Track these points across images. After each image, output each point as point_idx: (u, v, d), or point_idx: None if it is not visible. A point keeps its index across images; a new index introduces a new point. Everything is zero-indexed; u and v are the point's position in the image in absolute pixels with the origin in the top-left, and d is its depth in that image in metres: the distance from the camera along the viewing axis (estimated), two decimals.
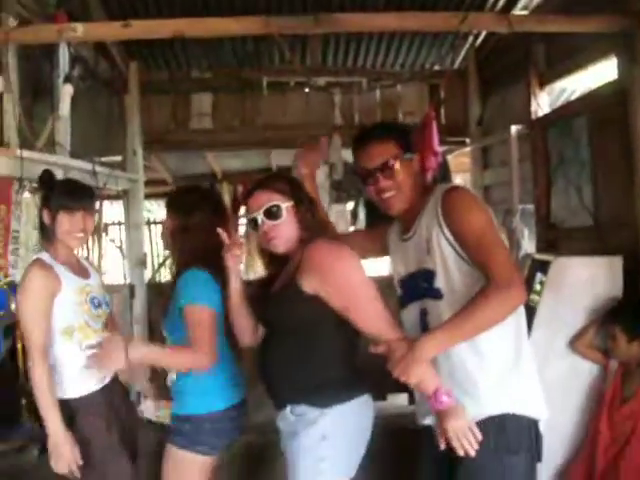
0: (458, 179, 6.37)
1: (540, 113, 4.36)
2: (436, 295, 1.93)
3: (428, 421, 2.02)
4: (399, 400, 5.24)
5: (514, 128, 4.60)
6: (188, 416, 2.32)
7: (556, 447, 2.75)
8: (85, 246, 9.83)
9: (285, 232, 2.00)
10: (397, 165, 1.96)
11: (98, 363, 2.18)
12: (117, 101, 5.49)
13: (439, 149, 4.72)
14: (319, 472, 1.92)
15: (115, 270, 10.29)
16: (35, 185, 3.77)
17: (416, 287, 2.01)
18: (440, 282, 1.92)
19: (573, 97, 4.33)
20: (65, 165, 3.81)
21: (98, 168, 4.10)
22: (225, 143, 5.95)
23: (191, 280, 2.26)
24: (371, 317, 1.88)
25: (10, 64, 3.42)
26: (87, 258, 2.98)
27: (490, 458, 1.82)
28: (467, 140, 5.73)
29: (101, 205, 9.63)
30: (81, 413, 2.42)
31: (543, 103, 4.38)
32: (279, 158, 6.78)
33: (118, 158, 5.43)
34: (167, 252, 2.74)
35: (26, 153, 3.23)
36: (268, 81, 5.79)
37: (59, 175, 3.81)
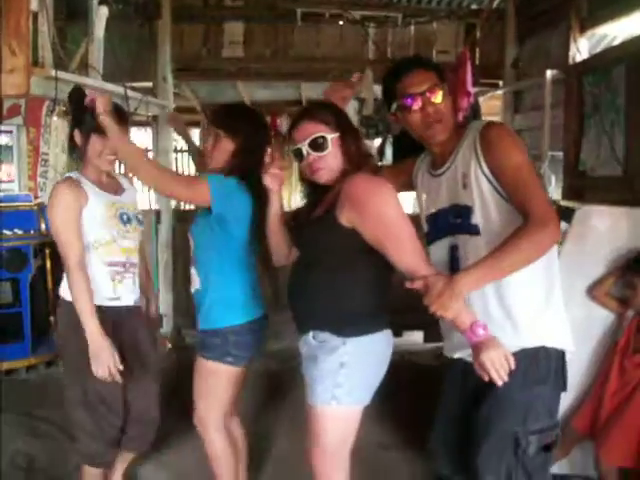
0: None
1: (578, 59, 4.26)
2: (473, 231, 1.93)
3: (458, 354, 2.07)
4: (414, 337, 5.35)
5: (549, 72, 4.51)
6: (215, 330, 2.41)
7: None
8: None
9: (330, 163, 2.01)
10: (441, 93, 1.95)
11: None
12: (149, 27, 5.45)
13: (472, 90, 4.65)
14: (334, 397, 2.00)
15: (141, 196, 10.50)
16: (64, 108, 3.81)
17: (447, 223, 2.01)
18: (477, 218, 1.92)
19: (614, 44, 4.22)
20: (98, 88, 3.83)
21: (130, 92, 4.11)
22: (256, 73, 5.93)
23: (218, 179, 2.32)
24: (407, 252, 1.88)
25: None
26: (124, 174, 2.92)
27: (519, 389, 1.88)
28: (500, 83, 5.63)
29: (129, 131, 9.81)
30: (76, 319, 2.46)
31: (582, 48, 4.27)
32: (310, 91, 6.71)
33: (149, 84, 5.42)
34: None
35: (60, 74, 3.25)
36: (302, 12, 5.70)
37: None
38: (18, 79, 2.92)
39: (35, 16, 3.31)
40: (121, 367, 2.36)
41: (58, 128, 4.32)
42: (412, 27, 5.84)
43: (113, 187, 2.61)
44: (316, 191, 2.15)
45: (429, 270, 1.85)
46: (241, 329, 2.42)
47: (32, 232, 4.05)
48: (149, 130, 7.49)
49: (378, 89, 5.83)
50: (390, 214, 1.90)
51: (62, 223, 2.41)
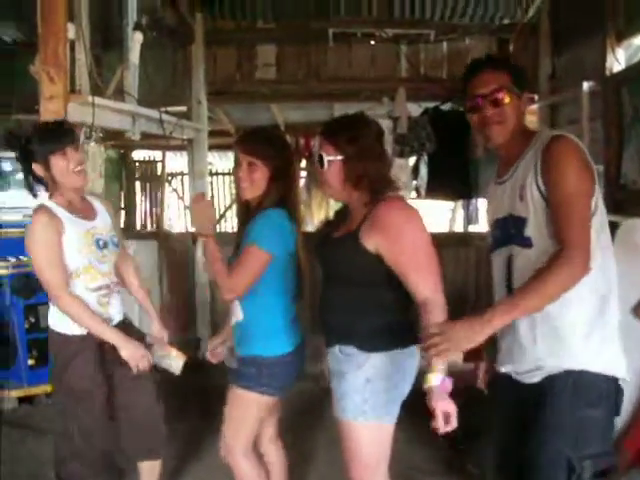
0: None
1: (616, 69, 4.18)
2: (526, 243, 1.91)
3: (505, 369, 2.04)
4: (453, 357, 5.26)
5: (586, 85, 4.43)
6: (254, 357, 2.39)
7: None
8: (148, 194, 10.12)
9: (330, 181, 2.10)
10: (507, 95, 1.92)
11: None
12: (182, 52, 5.53)
13: None
14: (362, 412, 2.07)
15: (178, 219, 10.60)
16: (101, 135, 3.87)
17: (506, 232, 1.99)
18: (530, 231, 1.89)
19: None
20: (133, 113, 3.89)
21: (165, 117, 4.16)
22: (289, 94, 5.97)
23: (267, 222, 2.33)
24: (425, 283, 1.97)
25: (82, 11, 3.47)
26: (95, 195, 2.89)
27: (569, 411, 1.84)
28: (536, 97, 5.56)
29: (164, 155, 9.92)
30: (70, 353, 2.53)
31: (619, 58, 4.20)
32: (342, 111, 6.68)
33: (183, 108, 5.49)
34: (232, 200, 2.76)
35: (96, 100, 3.30)
36: (334, 32, 5.73)
37: (128, 124, 3.90)
38: (56, 106, 2.97)
39: (72, 44, 3.37)
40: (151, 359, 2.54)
41: (95, 154, 4.38)
42: (445, 44, 5.82)
43: (86, 211, 2.61)
44: (343, 211, 2.25)
45: (439, 302, 1.95)
46: (282, 359, 2.41)
47: None
48: (184, 154, 7.59)
49: (412, 107, 5.83)
50: (414, 244, 1.99)
51: (43, 253, 2.43)
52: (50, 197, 2.53)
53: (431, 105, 5.82)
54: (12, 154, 2.68)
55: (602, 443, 1.87)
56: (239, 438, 2.48)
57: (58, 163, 2.44)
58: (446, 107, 5.72)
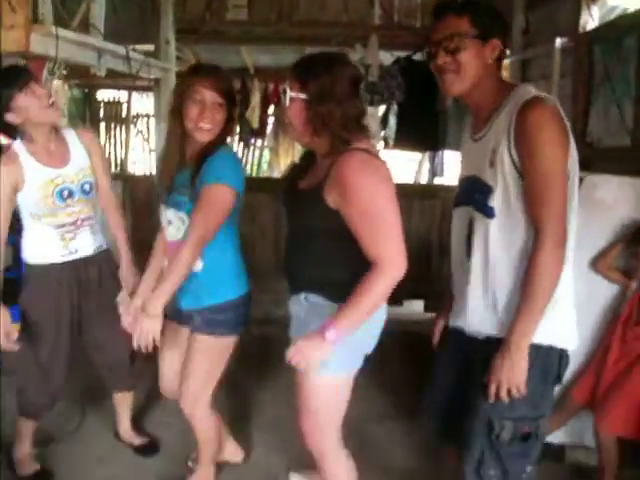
0: None
1: (589, 27, 4.18)
2: (488, 213, 1.84)
3: (457, 323, 2.05)
4: (414, 306, 5.36)
5: (559, 41, 4.42)
6: (228, 302, 2.38)
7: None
8: (112, 135, 9.92)
9: (292, 120, 1.97)
10: (463, 42, 1.79)
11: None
12: None
13: None
14: (324, 364, 1.97)
15: (142, 161, 10.43)
16: (65, 72, 3.75)
17: (470, 194, 1.92)
18: (495, 201, 1.82)
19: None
20: (99, 48, 3.76)
21: (132, 54, 4.04)
22: (259, 37, 5.85)
23: (228, 160, 2.30)
24: (379, 244, 1.87)
25: None
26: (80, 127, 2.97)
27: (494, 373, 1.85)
28: (507, 51, 5.54)
29: (130, 96, 9.70)
30: (32, 280, 2.61)
31: (593, 16, 4.19)
32: None
33: (151, 47, 5.34)
34: None
35: (60, 32, 3.18)
36: None
37: (93, 59, 3.78)
38: (18, 35, 2.85)
39: None
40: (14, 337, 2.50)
41: (59, 92, 4.27)
42: None
43: (57, 156, 2.56)
44: (307, 157, 2.14)
45: (393, 264, 1.87)
46: (248, 297, 2.44)
47: None
48: (150, 95, 7.43)
49: (383, 55, 5.76)
50: (371, 202, 1.86)
51: None
52: (24, 140, 2.49)
53: (403, 54, 5.76)
54: None
55: (529, 408, 1.86)
56: (208, 389, 2.48)
57: (28, 101, 2.37)
58: (418, 57, 5.67)
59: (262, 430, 3.31)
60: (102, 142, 9.85)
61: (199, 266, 2.32)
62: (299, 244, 2.08)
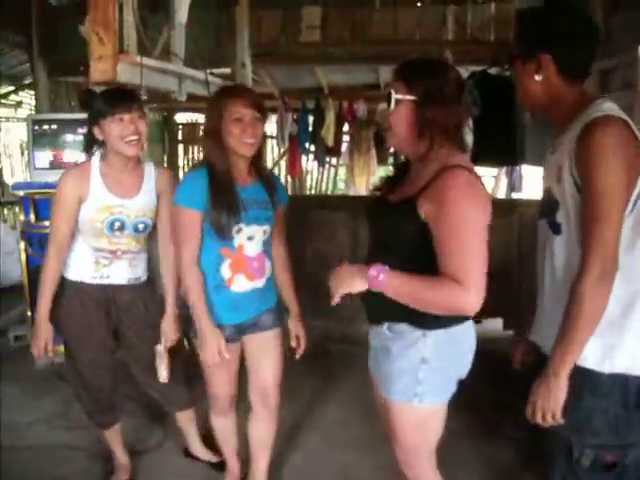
0: None
1: None
2: (555, 229, 1.79)
3: (533, 337, 2.00)
4: (493, 324, 5.25)
5: None
6: (277, 302, 2.62)
7: None
8: (190, 157, 10.17)
9: (394, 125, 1.89)
10: (513, 61, 1.82)
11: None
12: (227, 13, 5.51)
13: None
14: (416, 395, 1.92)
15: None
16: (146, 97, 3.89)
17: (545, 206, 1.86)
18: (560, 217, 1.77)
19: None
20: (180, 73, 3.90)
21: (210, 78, 4.16)
22: (334, 57, 5.91)
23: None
24: (464, 263, 1.73)
25: None
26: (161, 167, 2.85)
27: (577, 399, 1.77)
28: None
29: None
30: (66, 294, 2.60)
31: None
32: (388, 74, 6.64)
33: (227, 70, 5.49)
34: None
35: (144, 60, 3.31)
36: None
37: (174, 84, 3.92)
38: (106, 66, 2.99)
39: (120, 6, 3.39)
40: (51, 353, 2.59)
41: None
42: (492, 5, 5.68)
43: (127, 186, 2.55)
44: (399, 170, 2.07)
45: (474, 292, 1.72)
46: None
47: None
48: None
49: (459, 71, 5.71)
50: (467, 226, 1.74)
51: (56, 211, 2.49)
52: (101, 159, 2.53)
53: (478, 69, 5.70)
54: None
55: (611, 436, 1.78)
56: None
57: (111, 128, 2.41)
58: (493, 71, 5.60)
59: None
60: (181, 163, 10.14)
61: (269, 273, 2.50)
62: (385, 263, 1.90)
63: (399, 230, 1.89)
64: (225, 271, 2.37)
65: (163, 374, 2.68)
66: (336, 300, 1.83)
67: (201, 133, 2.38)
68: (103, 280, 2.60)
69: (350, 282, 1.82)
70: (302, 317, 2.67)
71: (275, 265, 2.56)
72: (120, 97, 2.46)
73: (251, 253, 2.40)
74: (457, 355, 1.97)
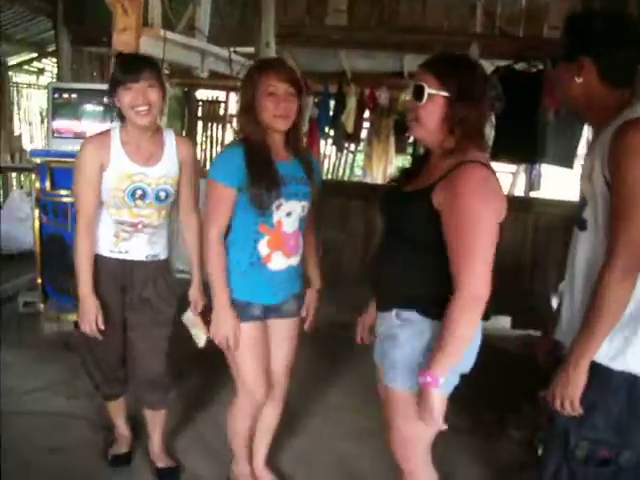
0: None
1: None
2: (581, 225, 1.83)
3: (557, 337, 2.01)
4: (502, 322, 5.23)
5: None
6: (302, 289, 2.58)
7: None
8: (209, 134, 10.16)
9: (423, 118, 1.89)
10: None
11: None
12: None
13: None
14: (417, 383, 1.89)
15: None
16: (167, 71, 3.87)
17: (578, 207, 1.89)
18: (587, 214, 1.80)
19: None
20: (203, 50, 3.89)
21: (233, 56, 4.14)
22: (359, 42, 5.85)
23: None
24: (468, 264, 1.77)
25: None
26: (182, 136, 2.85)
27: (585, 392, 1.79)
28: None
29: (228, 96, 9.93)
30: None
31: None
32: (412, 63, 6.59)
33: (251, 49, 5.45)
34: None
35: (168, 35, 3.30)
36: None
37: (197, 61, 3.90)
38: (129, 38, 2.98)
39: None
40: (102, 327, 2.49)
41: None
42: (523, 0, 5.59)
43: (148, 154, 2.52)
44: (418, 161, 2.08)
45: (477, 290, 1.77)
46: None
47: None
48: None
49: (484, 64, 5.65)
50: (475, 222, 1.77)
51: (78, 181, 2.47)
52: (122, 128, 2.50)
53: (504, 63, 5.63)
54: None
55: (610, 432, 1.79)
56: None
57: (123, 97, 2.38)
58: (519, 67, 5.53)
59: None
60: (199, 139, 10.13)
61: (302, 252, 2.46)
62: (394, 253, 1.98)
63: (412, 217, 1.92)
64: (263, 248, 2.34)
65: (202, 338, 2.61)
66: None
67: (236, 109, 2.32)
68: (121, 255, 2.57)
69: (437, 407, 1.86)
70: (321, 293, 2.65)
71: (306, 244, 2.53)
72: (130, 66, 2.42)
73: (289, 230, 2.37)
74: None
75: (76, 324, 2.71)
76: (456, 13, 5.65)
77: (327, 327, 3.47)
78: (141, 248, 2.59)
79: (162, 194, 2.54)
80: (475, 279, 1.77)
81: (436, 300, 1.86)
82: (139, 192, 2.48)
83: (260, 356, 2.45)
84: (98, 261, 2.54)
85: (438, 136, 1.91)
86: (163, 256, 2.68)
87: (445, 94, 1.85)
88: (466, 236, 1.77)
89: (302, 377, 2.69)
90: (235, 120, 2.43)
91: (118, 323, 2.64)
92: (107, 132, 2.51)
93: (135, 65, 2.41)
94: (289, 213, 2.35)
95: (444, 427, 1.91)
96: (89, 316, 2.47)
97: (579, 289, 1.85)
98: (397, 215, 1.99)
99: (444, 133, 1.89)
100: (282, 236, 2.36)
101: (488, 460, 3.15)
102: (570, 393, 1.77)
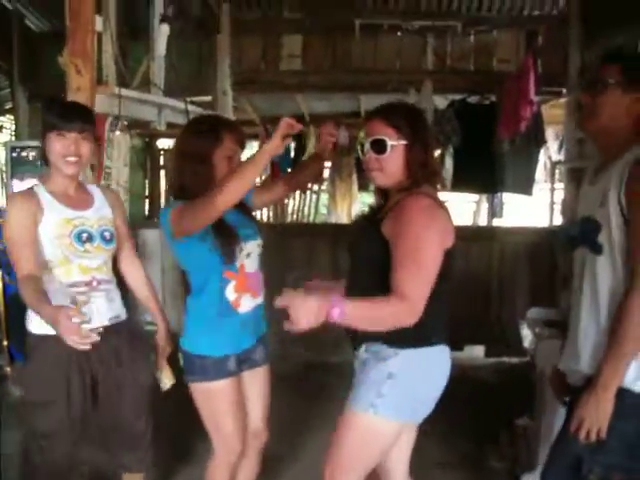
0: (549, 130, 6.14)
1: None
2: (597, 250, 1.89)
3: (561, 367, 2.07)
4: (475, 351, 5.26)
5: None
6: (266, 330, 2.56)
7: None
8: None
9: (388, 167, 1.99)
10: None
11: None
12: (208, 41, 5.54)
13: (535, 99, 4.55)
14: (372, 405, 1.96)
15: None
16: (126, 123, 3.87)
17: (583, 233, 1.97)
18: (603, 238, 1.87)
19: None
20: (159, 104, 3.91)
21: (190, 107, 4.17)
22: (314, 85, 5.95)
23: None
24: (407, 279, 1.81)
25: (110, 4, 3.49)
26: (105, 185, 2.87)
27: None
28: (564, 90, 5.49)
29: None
30: (37, 352, 2.37)
31: None
32: (369, 102, 6.70)
33: (208, 98, 5.50)
34: None
35: (122, 91, 3.32)
36: (360, 23, 5.71)
37: (153, 114, 3.92)
38: (84, 97, 2.98)
39: (99, 36, 3.40)
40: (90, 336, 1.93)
41: (120, 143, 4.41)
42: (472, 36, 5.76)
43: (79, 200, 2.40)
44: (381, 199, 2.13)
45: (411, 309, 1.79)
46: None
47: None
48: None
49: (438, 99, 5.79)
50: (418, 240, 1.84)
51: (13, 239, 2.24)
52: (44, 180, 2.37)
53: (457, 97, 5.77)
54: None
55: (623, 457, 1.83)
56: None
57: (53, 143, 2.26)
58: (473, 100, 5.67)
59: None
60: (162, 188, 10.10)
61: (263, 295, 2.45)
62: (355, 289, 2.01)
63: (364, 249, 2.03)
64: (230, 294, 2.32)
65: (165, 383, 2.57)
66: (293, 330, 1.75)
67: (179, 156, 2.19)
68: (84, 325, 2.09)
69: (310, 320, 1.74)
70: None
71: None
72: (66, 113, 2.31)
73: (251, 270, 2.38)
74: (427, 376, 2.01)
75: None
76: (408, 53, 5.79)
77: (302, 368, 3.45)
78: (103, 309, 2.40)
79: (107, 234, 2.42)
80: (415, 296, 1.80)
81: (401, 330, 1.84)
82: (85, 235, 2.34)
83: (237, 412, 2.40)
84: (54, 344, 2.11)
85: (399, 179, 2.01)
86: (124, 316, 2.54)
87: (404, 142, 1.97)
88: (406, 256, 1.84)
89: (277, 421, 2.64)
90: (176, 166, 2.34)
91: (81, 406, 2.40)
92: (30, 188, 2.37)
93: (72, 113, 2.32)
94: (248, 254, 2.35)
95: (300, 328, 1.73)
96: (66, 325, 1.89)
97: (604, 317, 1.88)
98: (354, 247, 2.10)
99: (404, 176, 2.00)
100: (246, 278, 2.36)
101: None
102: (600, 418, 1.79)
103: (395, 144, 1.96)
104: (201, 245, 2.24)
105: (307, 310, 1.72)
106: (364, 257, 2.03)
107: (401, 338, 1.92)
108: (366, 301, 1.82)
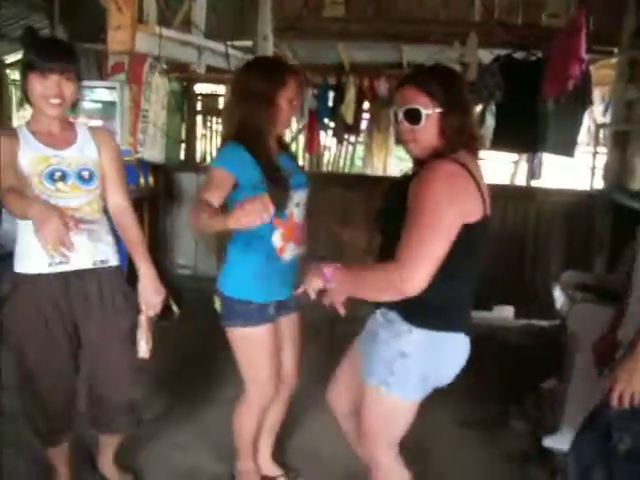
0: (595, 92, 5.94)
1: None
2: None
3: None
4: (505, 312, 5.23)
5: None
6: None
7: None
8: (209, 127, 10.12)
9: (422, 139, 1.89)
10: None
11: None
12: None
13: (585, 57, 4.39)
14: (385, 382, 1.94)
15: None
16: (165, 66, 3.84)
17: None
18: None
19: None
20: (199, 45, 3.86)
21: (230, 51, 4.12)
22: (356, 34, 5.83)
23: None
24: (412, 245, 1.74)
25: None
26: (95, 127, 2.55)
27: None
28: (615, 50, 5.29)
29: (226, 89, 9.88)
30: (18, 292, 2.24)
31: None
32: (411, 54, 6.56)
33: (249, 43, 5.43)
34: None
35: (163, 31, 3.28)
36: None
37: (193, 56, 3.88)
38: (124, 36, 2.95)
39: None
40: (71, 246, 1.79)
41: (159, 85, 4.40)
42: None
43: (61, 139, 2.25)
44: (417, 166, 2.01)
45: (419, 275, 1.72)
46: None
47: (131, 186, 4.16)
48: None
49: (483, 53, 5.62)
50: (428, 211, 1.75)
51: None
52: (28, 121, 2.26)
53: (503, 52, 5.60)
54: None
55: None
56: None
57: (34, 84, 2.13)
58: (519, 56, 5.50)
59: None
60: (199, 133, 10.09)
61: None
62: (386, 250, 1.93)
63: (389, 212, 1.96)
64: (278, 241, 2.34)
65: (143, 348, 2.33)
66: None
67: (242, 96, 2.10)
68: (63, 266, 2.18)
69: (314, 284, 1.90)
70: None
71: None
72: (47, 51, 2.15)
73: (299, 219, 2.42)
74: (439, 361, 1.97)
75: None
76: (454, 3, 5.62)
77: (327, 322, 3.46)
78: (84, 251, 2.22)
79: (85, 173, 2.25)
80: (417, 266, 1.73)
81: (416, 306, 1.82)
82: (58, 174, 2.18)
83: (274, 357, 2.45)
84: (31, 284, 2.17)
85: (434, 146, 1.91)
86: (113, 262, 2.35)
87: (439, 110, 1.86)
88: (415, 224, 1.76)
89: (306, 372, 2.67)
90: (238, 106, 2.30)
91: (66, 360, 2.32)
92: (12, 128, 2.31)
93: (53, 52, 2.16)
94: (298, 203, 2.38)
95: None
96: (56, 225, 1.74)
97: None
98: (383, 212, 2.04)
99: (440, 142, 1.90)
100: (294, 226, 2.39)
101: (491, 452, 3.14)
102: (634, 384, 1.77)
103: (430, 113, 1.86)
104: (253, 193, 2.15)
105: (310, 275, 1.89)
106: (389, 219, 1.96)
107: (417, 315, 1.88)
108: (364, 268, 1.88)
